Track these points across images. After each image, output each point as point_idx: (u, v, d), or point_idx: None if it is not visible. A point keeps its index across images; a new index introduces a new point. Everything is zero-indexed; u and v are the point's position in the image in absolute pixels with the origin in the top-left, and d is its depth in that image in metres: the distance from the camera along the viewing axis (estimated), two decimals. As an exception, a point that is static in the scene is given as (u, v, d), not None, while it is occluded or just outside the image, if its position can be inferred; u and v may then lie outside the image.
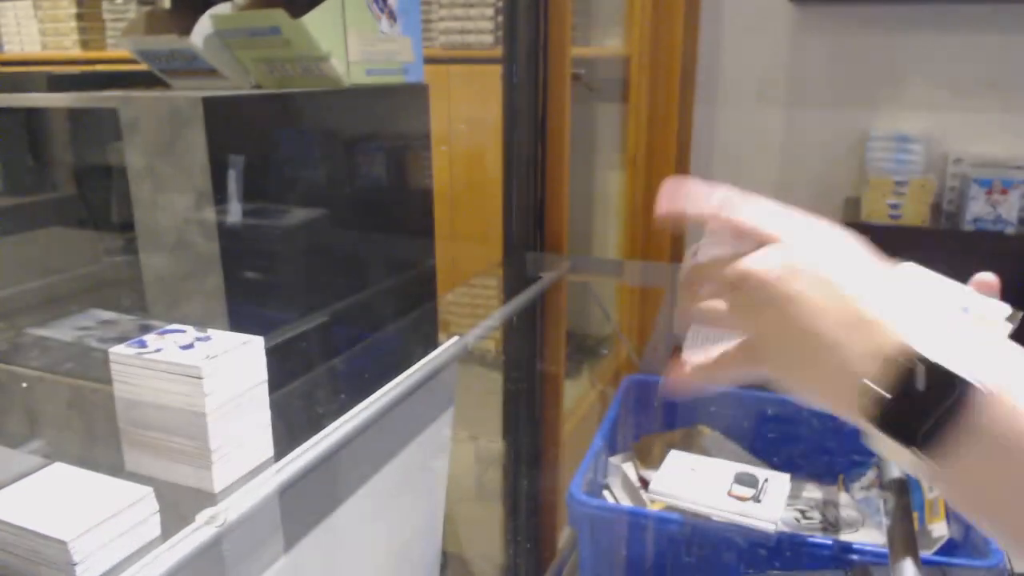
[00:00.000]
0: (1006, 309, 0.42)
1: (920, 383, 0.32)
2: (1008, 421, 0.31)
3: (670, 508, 0.70)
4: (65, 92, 0.97)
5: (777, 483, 0.68)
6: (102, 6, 3.12)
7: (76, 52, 3.15)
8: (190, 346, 0.62)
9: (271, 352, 0.66)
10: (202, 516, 0.58)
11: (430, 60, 1.18)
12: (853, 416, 0.37)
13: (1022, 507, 0.32)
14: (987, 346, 0.34)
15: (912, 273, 0.42)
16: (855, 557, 0.65)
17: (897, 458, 0.35)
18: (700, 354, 0.47)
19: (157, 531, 0.55)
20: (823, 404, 0.39)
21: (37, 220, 1.02)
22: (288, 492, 0.65)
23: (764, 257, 0.41)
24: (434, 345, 0.97)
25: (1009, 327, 0.41)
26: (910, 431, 0.33)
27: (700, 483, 0.69)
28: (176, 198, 0.78)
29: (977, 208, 2.06)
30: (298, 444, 0.70)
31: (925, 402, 0.32)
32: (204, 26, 0.92)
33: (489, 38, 2.35)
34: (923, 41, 2.27)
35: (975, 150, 2.27)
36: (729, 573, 0.69)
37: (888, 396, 0.33)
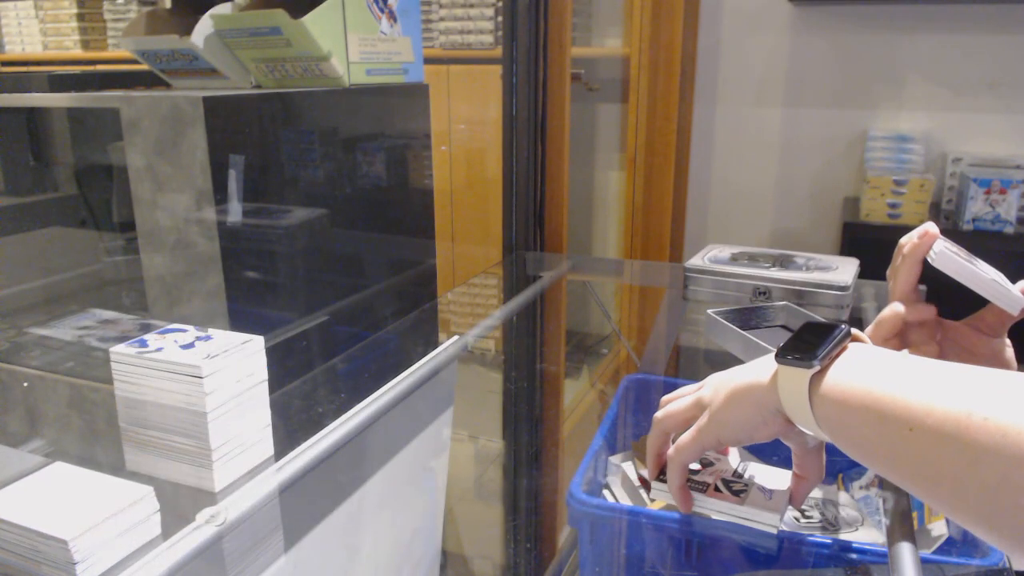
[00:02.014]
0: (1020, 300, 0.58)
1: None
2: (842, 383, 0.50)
3: (670, 508, 0.70)
4: (66, 92, 0.98)
5: (782, 480, 0.68)
6: (103, 6, 3.13)
7: (77, 52, 3.15)
8: (191, 345, 0.62)
9: (271, 351, 0.67)
10: (202, 515, 0.58)
11: (430, 60, 1.18)
12: (779, 427, 0.56)
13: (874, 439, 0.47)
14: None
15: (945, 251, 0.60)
16: (854, 556, 0.65)
17: (803, 420, 0.52)
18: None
19: (158, 530, 0.55)
20: (757, 436, 0.58)
21: (38, 220, 1.02)
22: (288, 491, 0.65)
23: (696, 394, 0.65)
24: (434, 344, 0.98)
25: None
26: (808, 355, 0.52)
27: (703, 480, 0.69)
28: (177, 198, 0.79)
29: (976, 208, 2.06)
30: (298, 444, 0.70)
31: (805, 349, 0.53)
32: (205, 26, 0.92)
33: (489, 38, 2.35)
34: (922, 41, 2.27)
35: (974, 150, 2.27)
36: (729, 572, 0.69)
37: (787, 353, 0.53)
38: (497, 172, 1.44)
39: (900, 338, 0.64)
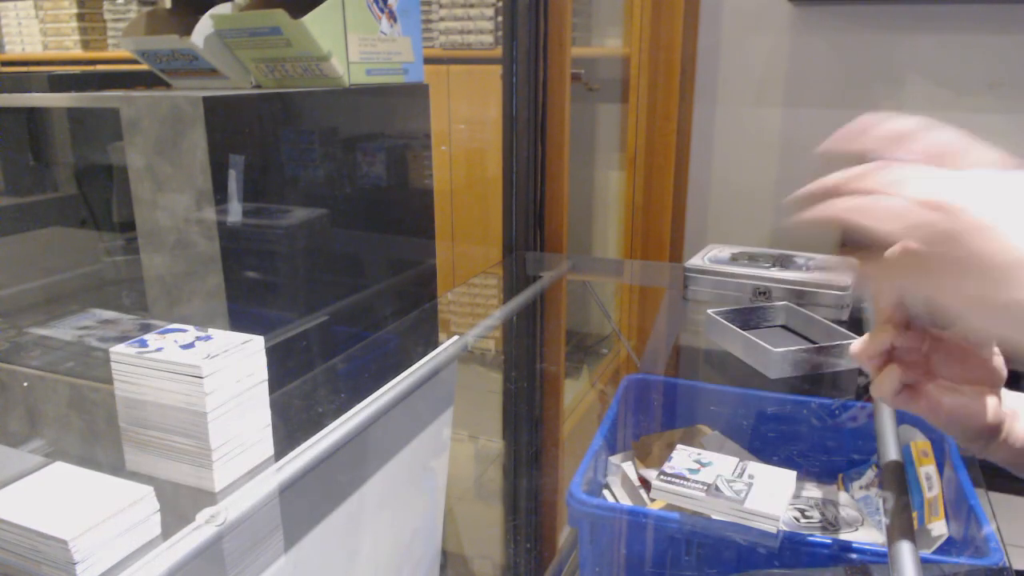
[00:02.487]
0: None
1: None
2: None
3: (670, 507, 0.70)
4: (66, 92, 0.97)
5: (783, 480, 0.68)
6: (103, 6, 3.13)
7: (77, 52, 3.15)
8: (191, 345, 0.62)
9: (271, 351, 0.67)
10: (202, 515, 0.58)
11: (430, 60, 1.18)
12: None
13: None
14: None
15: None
16: (854, 556, 0.65)
17: None
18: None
19: (157, 530, 0.55)
20: (989, 326, 0.43)
21: (38, 220, 1.02)
22: (288, 491, 0.65)
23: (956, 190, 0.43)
24: (434, 344, 0.98)
25: None
26: None
27: (704, 480, 0.69)
28: (177, 198, 0.79)
29: (977, 208, 2.06)
30: (298, 444, 0.70)
31: None
32: (205, 26, 0.92)
33: (489, 38, 2.35)
34: (922, 41, 2.27)
35: (975, 150, 2.27)
36: (728, 572, 0.69)
37: None
38: (497, 172, 1.44)
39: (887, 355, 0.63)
